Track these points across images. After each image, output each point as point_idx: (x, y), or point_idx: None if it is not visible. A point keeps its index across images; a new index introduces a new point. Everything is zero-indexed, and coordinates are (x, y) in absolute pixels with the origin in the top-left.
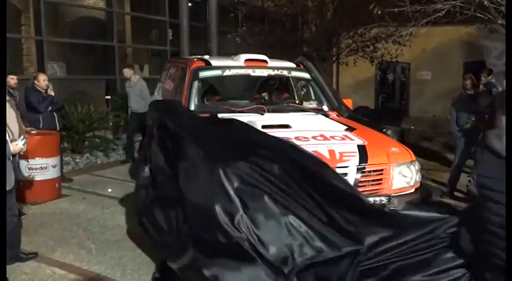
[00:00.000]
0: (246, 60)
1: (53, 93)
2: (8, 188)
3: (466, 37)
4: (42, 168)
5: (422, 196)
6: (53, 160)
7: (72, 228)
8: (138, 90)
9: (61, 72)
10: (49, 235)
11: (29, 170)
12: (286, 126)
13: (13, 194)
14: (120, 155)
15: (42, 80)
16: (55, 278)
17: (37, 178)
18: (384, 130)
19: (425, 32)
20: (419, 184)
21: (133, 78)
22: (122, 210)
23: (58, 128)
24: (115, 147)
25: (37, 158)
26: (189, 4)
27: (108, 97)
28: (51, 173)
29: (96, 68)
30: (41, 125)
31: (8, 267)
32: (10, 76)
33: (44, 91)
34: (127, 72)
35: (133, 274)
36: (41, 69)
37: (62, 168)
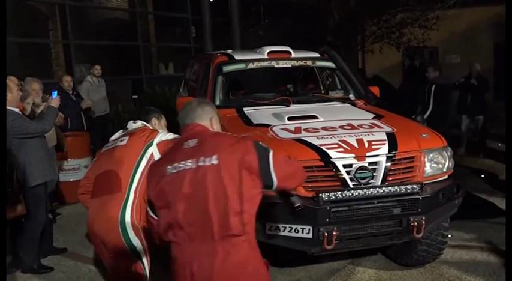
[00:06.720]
0: (269, 52)
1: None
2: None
3: (496, 17)
4: (75, 169)
5: (456, 182)
6: (85, 161)
7: None
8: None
9: (88, 74)
10: (84, 234)
11: (62, 171)
12: (313, 117)
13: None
14: None
15: (64, 81)
16: (91, 276)
17: (70, 179)
18: (413, 117)
19: (452, 14)
20: (452, 170)
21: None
22: None
23: (85, 128)
24: None
25: (69, 160)
26: (210, 0)
27: (135, 97)
28: (84, 174)
29: (122, 68)
30: (69, 126)
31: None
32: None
33: (70, 92)
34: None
35: None
36: (69, 72)
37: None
